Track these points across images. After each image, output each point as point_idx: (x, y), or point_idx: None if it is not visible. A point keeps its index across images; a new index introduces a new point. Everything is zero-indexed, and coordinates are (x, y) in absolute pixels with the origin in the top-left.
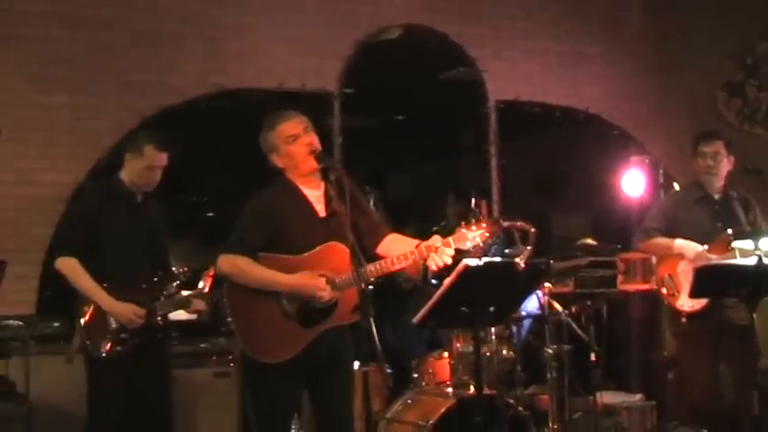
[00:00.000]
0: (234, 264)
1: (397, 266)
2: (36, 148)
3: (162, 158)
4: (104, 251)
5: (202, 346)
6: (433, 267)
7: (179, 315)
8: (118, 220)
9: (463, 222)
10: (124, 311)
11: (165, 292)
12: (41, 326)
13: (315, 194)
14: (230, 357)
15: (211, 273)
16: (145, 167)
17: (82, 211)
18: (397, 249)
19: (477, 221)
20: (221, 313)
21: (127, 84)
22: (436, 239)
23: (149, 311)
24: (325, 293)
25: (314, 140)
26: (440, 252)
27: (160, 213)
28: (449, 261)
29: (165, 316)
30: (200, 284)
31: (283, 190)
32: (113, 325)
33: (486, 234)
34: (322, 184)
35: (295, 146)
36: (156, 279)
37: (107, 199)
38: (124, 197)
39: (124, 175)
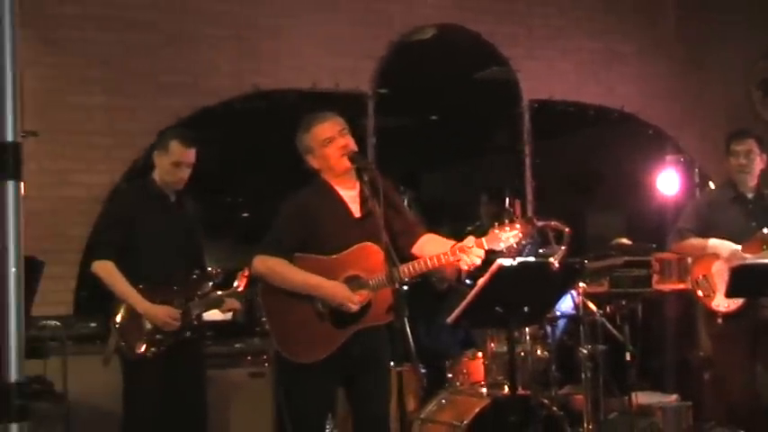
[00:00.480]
0: (268, 265)
1: (430, 267)
2: (73, 149)
3: (188, 154)
4: (139, 252)
5: (237, 346)
6: (464, 267)
7: (213, 315)
8: (152, 221)
9: (497, 223)
10: (159, 314)
11: (198, 292)
12: (78, 326)
13: (350, 195)
14: (265, 357)
15: (246, 273)
16: (171, 164)
17: (116, 213)
18: (432, 250)
19: (511, 222)
20: (256, 314)
21: (163, 85)
22: (469, 240)
23: (183, 312)
24: (355, 305)
25: (349, 143)
26: (470, 252)
27: (194, 213)
28: (478, 262)
29: (199, 316)
30: (235, 284)
31: (319, 191)
32: (148, 326)
33: (520, 235)
34: (357, 185)
35: (329, 148)
36: (190, 279)
37: (141, 200)
38: (158, 198)
39: (156, 175)
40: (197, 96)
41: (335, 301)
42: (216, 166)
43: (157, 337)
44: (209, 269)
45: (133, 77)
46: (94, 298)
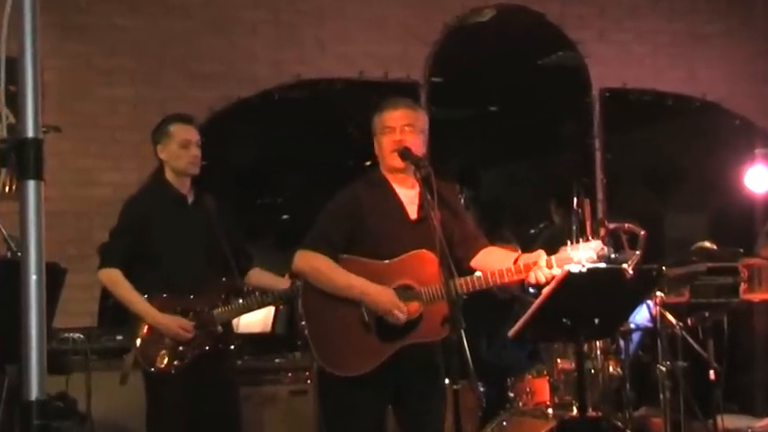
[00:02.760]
0: (311, 263)
1: (491, 283)
2: (97, 145)
3: (191, 131)
4: (158, 259)
5: (277, 361)
6: (531, 281)
7: (250, 327)
8: (169, 225)
9: (569, 241)
10: (168, 324)
11: (222, 299)
12: (104, 339)
13: (409, 195)
14: (307, 374)
15: (288, 280)
16: (178, 146)
17: (127, 217)
18: (492, 264)
19: (586, 239)
20: (298, 325)
21: (194, 75)
22: (540, 257)
23: (205, 321)
24: (402, 316)
25: (405, 140)
26: (538, 269)
27: (217, 212)
28: (542, 281)
29: (226, 325)
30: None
31: (374, 185)
32: (168, 339)
33: (595, 257)
34: (417, 185)
35: (384, 139)
36: (215, 285)
37: (155, 203)
38: (173, 199)
39: (168, 174)
40: (232, 87)
41: (381, 309)
42: (253, 164)
43: (180, 349)
44: (237, 278)
45: (162, 67)
46: (121, 309)
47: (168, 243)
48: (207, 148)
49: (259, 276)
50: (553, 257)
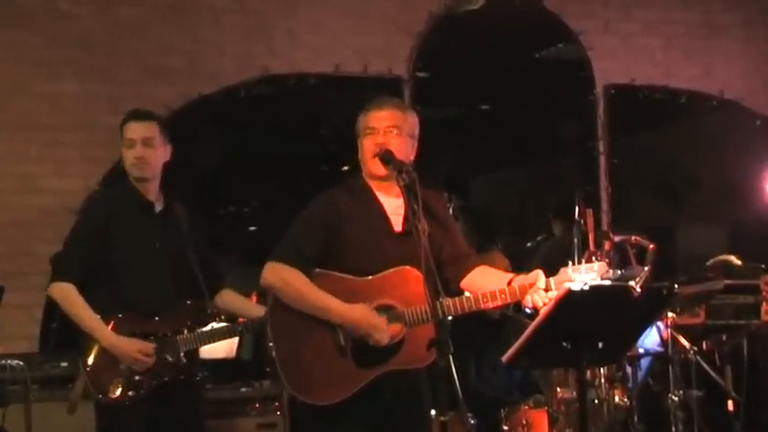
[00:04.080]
0: (283, 277)
1: (482, 306)
2: (39, 148)
3: (138, 129)
4: (118, 273)
5: (243, 390)
6: (528, 305)
7: (212, 353)
8: (131, 235)
9: (570, 262)
10: (125, 348)
11: (188, 323)
12: (46, 366)
13: (394, 204)
14: (276, 404)
15: (255, 299)
16: (125, 146)
17: (85, 225)
18: (485, 286)
19: (588, 260)
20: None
21: (150, 69)
22: (538, 278)
23: (162, 347)
24: (384, 337)
25: (389, 143)
26: (533, 292)
27: (188, 223)
28: (539, 305)
29: (190, 352)
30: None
31: (355, 192)
32: (123, 365)
33: (598, 278)
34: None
35: (366, 141)
36: (181, 307)
37: (118, 209)
38: (138, 206)
39: (131, 178)
40: (193, 83)
41: (360, 330)
42: (215, 169)
43: (136, 378)
44: (208, 301)
45: (114, 60)
46: (65, 331)
47: (129, 255)
48: None
49: (230, 299)
50: (552, 279)
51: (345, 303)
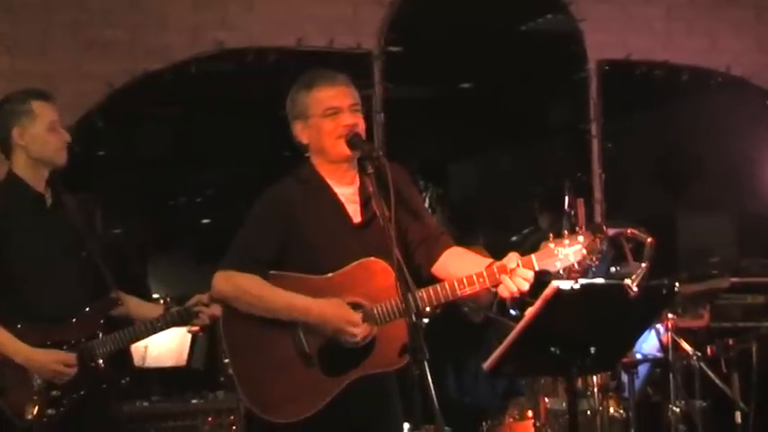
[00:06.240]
0: (237, 283)
1: (459, 294)
2: None
3: (51, 109)
4: (13, 278)
5: (194, 401)
6: (505, 294)
7: (160, 360)
8: (27, 234)
9: (552, 235)
10: (45, 362)
11: (101, 324)
12: None
13: (347, 192)
14: (232, 418)
15: (206, 301)
16: (45, 129)
17: None
18: (460, 269)
19: (572, 233)
20: (220, 357)
21: (88, 43)
22: (512, 258)
23: (81, 355)
24: (358, 330)
25: (359, 123)
26: (515, 275)
27: (80, 215)
28: (524, 287)
29: (112, 356)
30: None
31: (305, 184)
32: (38, 381)
33: (584, 251)
34: (356, 178)
35: (329, 123)
36: (91, 308)
37: (9, 206)
38: (31, 200)
39: (17, 167)
40: (137, 58)
41: (332, 328)
42: (164, 154)
43: (53, 394)
44: (113, 295)
45: (48, 33)
46: None
47: (27, 257)
48: (105, 135)
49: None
50: (533, 255)
51: (311, 300)
